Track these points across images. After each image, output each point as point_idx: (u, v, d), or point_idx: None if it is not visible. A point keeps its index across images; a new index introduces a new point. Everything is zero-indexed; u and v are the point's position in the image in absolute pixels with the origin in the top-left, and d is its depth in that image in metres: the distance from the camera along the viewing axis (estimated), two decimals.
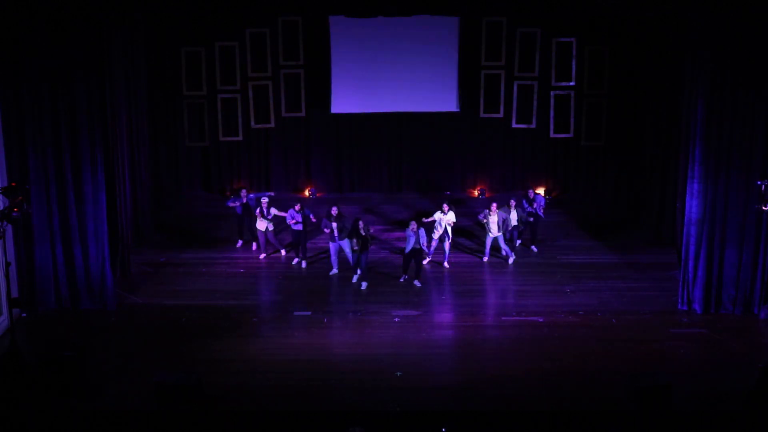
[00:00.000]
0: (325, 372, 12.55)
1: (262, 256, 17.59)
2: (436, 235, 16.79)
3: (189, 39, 20.81)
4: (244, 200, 17.96)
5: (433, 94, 21.62)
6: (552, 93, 21.61)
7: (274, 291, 16.16)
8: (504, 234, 17.21)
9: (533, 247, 18.11)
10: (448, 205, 16.82)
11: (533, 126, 21.86)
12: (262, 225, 17.35)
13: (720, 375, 12.47)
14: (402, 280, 16.21)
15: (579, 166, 22.24)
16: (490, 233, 17.09)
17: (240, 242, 18.35)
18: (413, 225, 15.99)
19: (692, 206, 14.46)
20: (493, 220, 16.95)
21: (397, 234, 18.47)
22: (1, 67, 13.84)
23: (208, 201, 21.59)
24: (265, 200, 17.41)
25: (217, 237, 18.92)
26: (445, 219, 16.71)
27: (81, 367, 11.90)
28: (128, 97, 17.01)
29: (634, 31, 19.27)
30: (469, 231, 18.80)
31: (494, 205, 17.09)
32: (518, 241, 17.91)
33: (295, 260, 17.26)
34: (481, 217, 17.15)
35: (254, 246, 17.95)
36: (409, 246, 15.99)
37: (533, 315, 14.63)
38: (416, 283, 16.09)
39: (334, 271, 16.68)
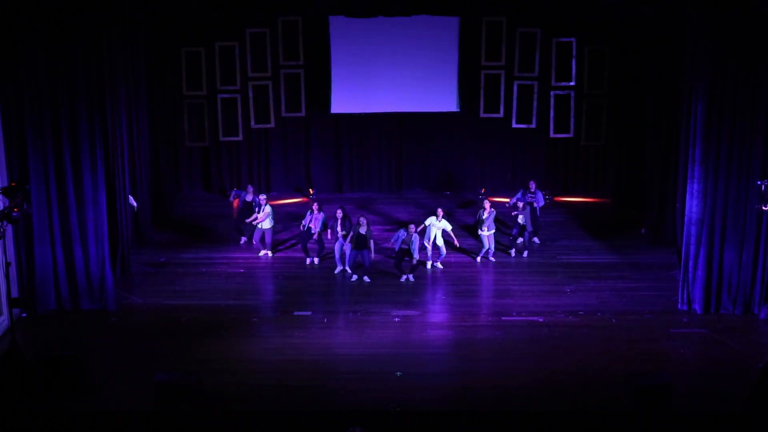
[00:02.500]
0: (325, 372, 12.54)
1: (263, 253, 17.61)
2: (428, 243, 16.65)
3: (189, 39, 20.80)
4: (249, 197, 18.10)
5: (433, 94, 21.61)
6: (552, 93, 21.61)
7: (274, 291, 16.17)
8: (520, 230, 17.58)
9: (535, 239, 18.31)
10: (443, 212, 16.92)
11: (533, 126, 21.87)
12: (260, 223, 17.41)
13: (720, 375, 12.46)
14: (402, 279, 16.21)
15: (579, 166, 22.24)
16: (485, 231, 17.07)
17: (243, 239, 18.40)
18: (412, 227, 16.09)
19: (692, 206, 14.45)
20: (490, 219, 16.96)
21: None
22: (2, 67, 13.83)
23: (208, 201, 21.60)
24: (262, 198, 17.53)
25: (217, 237, 18.92)
26: (437, 226, 16.68)
27: (81, 367, 11.89)
28: (128, 97, 17.00)
29: (634, 31, 19.22)
30: (469, 231, 18.77)
31: (487, 203, 17.12)
32: (521, 239, 17.86)
33: (308, 260, 17.23)
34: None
35: (254, 240, 18.04)
36: (397, 245, 16.07)
37: (533, 315, 14.62)
38: (410, 277, 16.17)
39: (339, 269, 16.68)
